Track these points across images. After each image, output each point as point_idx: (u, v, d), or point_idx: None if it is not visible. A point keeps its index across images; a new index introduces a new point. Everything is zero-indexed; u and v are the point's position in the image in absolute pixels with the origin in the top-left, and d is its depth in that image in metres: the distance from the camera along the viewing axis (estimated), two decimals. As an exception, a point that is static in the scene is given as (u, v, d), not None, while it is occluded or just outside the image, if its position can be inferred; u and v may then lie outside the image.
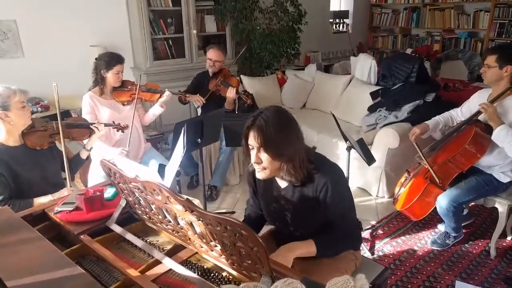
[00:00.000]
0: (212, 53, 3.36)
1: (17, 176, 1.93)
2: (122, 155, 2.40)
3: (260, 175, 1.42)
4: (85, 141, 2.31)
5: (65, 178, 2.15)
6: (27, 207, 1.84)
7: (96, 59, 2.73)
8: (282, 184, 1.52)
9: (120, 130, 2.48)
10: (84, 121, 2.35)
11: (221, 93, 3.33)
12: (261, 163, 1.38)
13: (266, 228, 1.78)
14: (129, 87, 2.79)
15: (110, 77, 2.67)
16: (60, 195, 1.89)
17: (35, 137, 2.04)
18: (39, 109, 3.50)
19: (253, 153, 1.39)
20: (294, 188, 1.48)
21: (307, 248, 1.43)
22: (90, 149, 2.26)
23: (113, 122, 2.46)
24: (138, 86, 2.75)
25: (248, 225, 1.40)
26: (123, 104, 2.78)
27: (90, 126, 2.24)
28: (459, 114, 2.57)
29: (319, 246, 1.43)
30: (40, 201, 1.91)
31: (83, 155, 2.25)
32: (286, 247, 1.42)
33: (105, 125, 2.33)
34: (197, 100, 3.31)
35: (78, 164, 2.26)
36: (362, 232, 2.69)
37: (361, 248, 1.76)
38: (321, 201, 1.43)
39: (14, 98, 1.89)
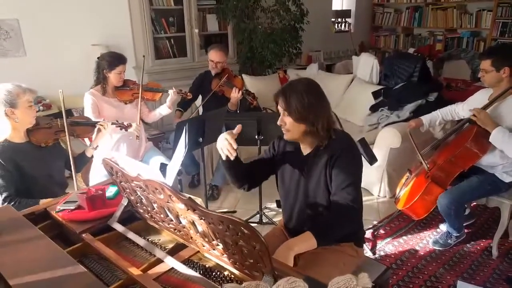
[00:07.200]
0: (214, 55, 3.33)
1: (23, 172, 1.94)
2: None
3: (285, 136, 1.59)
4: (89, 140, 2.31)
5: (68, 177, 2.15)
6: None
7: (98, 58, 2.73)
8: (305, 151, 1.63)
9: (123, 129, 2.48)
10: (88, 119, 2.35)
11: (225, 93, 3.31)
12: (285, 126, 1.54)
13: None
14: (131, 86, 2.80)
15: (112, 77, 2.67)
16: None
17: (40, 134, 2.05)
18: (41, 107, 3.52)
19: (280, 117, 1.56)
20: (314, 155, 1.57)
21: (306, 241, 1.40)
22: (96, 147, 2.27)
23: (117, 121, 2.46)
24: (141, 86, 2.76)
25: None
26: (125, 103, 2.78)
27: (96, 124, 2.24)
28: (460, 110, 2.57)
29: (317, 235, 1.40)
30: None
31: (89, 153, 2.25)
32: (284, 246, 1.39)
33: (111, 123, 2.33)
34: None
35: (83, 162, 2.27)
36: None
37: (363, 247, 1.75)
38: (332, 168, 1.51)
39: (23, 97, 1.91)
